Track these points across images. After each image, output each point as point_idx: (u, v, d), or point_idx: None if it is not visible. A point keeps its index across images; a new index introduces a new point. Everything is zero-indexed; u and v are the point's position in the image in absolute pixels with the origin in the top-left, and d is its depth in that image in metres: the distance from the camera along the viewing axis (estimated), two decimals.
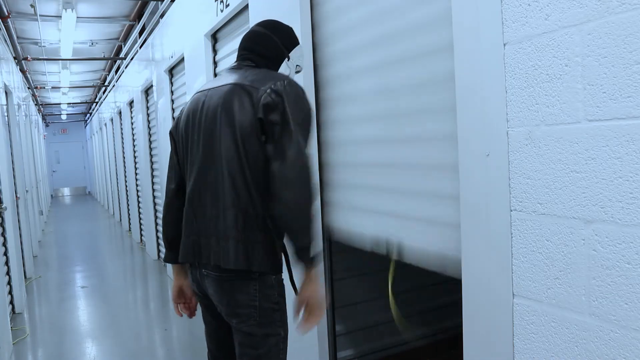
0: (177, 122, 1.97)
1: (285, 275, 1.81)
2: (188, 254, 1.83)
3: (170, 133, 2.00)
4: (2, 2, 6.12)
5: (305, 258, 1.67)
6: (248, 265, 1.70)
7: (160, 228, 7.25)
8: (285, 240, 1.74)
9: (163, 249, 7.04)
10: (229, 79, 1.82)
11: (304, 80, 2.65)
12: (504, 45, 1.49)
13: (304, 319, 1.71)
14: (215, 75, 4.23)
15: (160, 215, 7.16)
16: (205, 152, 1.80)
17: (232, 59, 3.87)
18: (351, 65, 2.40)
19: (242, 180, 1.71)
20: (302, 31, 2.64)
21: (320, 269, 1.73)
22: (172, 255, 1.95)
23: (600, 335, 1.30)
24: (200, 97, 1.88)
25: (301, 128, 1.69)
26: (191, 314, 2.05)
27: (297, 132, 1.67)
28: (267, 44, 1.92)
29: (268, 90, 1.70)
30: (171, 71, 5.82)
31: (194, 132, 1.85)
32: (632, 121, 1.20)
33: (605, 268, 1.28)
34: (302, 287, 1.71)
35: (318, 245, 1.69)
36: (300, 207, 1.65)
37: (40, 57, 9.26)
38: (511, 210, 1.51)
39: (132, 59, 8.34)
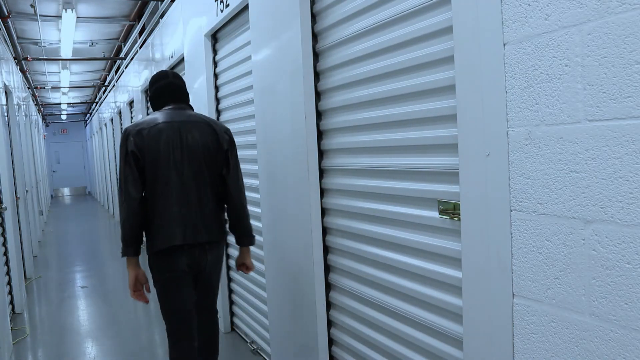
0: (142, 145, 2.51)
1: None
2: (186, 236, 2.56)
3: (134, 153, 2.50)
4: (2, 2, 6.12)
5: (248, 231, 2.83)
6: (223, 237, 2.75)
7: None
8: (235, 221, 2.78)
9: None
10: (196, 118, 2.68)
11: (304, 89, 2.66)
12: (504, 45, 1.49)
13: (246, 270, 2.92)
14: (216, 76, 4.23)
15: None
16: (187, 168, 2.58)
17: (232, 59, 3.88)
18: (352, 74, 2.40)
19: (214, 188, 2.69)
20: (302, 36, 2.64)
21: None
22: (134, 249, 2.57)
23: (600, 335, 1.30)
24: (169, 129, 2.57)
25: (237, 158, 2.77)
26: (147, 300, 2.64)
27: (238, 163, 2.77)
28: (186, 91, 2.82)
29: (225, 131, 2.73)
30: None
31: (171, 155, 2.55)
32: (632, 121, 1.20)
33: (605, 268, 1.28)
34: (243, 252, 2.89)
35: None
36: (246, 208, 2.80)
37: (40, 57, 9.26)
38: (511, 210, 1.51)
39: (132, 59, 8.34)
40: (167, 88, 2.72)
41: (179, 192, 2.55)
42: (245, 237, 2.81)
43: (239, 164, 2.75)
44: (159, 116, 2.62)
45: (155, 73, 2.85)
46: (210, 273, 2.73)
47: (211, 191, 2.65)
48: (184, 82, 2.79)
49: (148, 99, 3.06)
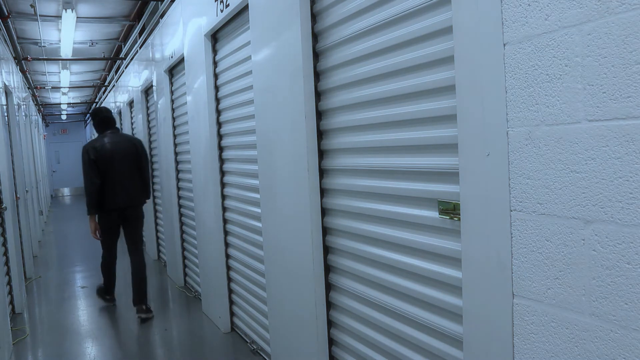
0: (97, 156, 4.71)
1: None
2: (124, 202, 4.80)
3: (93, 160, 4.69)
4: (2, 3, 6.13)
5: (149, 197, 5.12)
6: (142, 203, 4.99)
7: (160, 229, 7.27)
8: (145, 193, 5.06)
9: (163, 249, 7.07)
10: (125, 138, 4.94)
11: (304, 89, 2.66)
12: (504, 45, 1.49)
13: None
14: (216, 76, 4.23)
15: (160, 215, 7.20)
16: (122, 167, 4.77)
17: (232, 59, 3.88)
18: (352, 74, 2.40)
19: (138, 177, 4.93)
20: (302, 36, 2.64)
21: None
22: (95, 211, 4.74)
23: (600, 335, 1.30)
24: (112, 145, 4.78)
25: (148, 159, 5.13)
26: (99, 238, 4.94)
27: (149, 162, 5.26)
28: (114, 119, 5.07)
29: (140, 144, 4.98)
30: (171, 71, 5.82)
31: (114, 160, 4.74)
32: (632, 121, 1.20)
33: (605, 268, 1.28)
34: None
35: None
36: (150, 184, 5.45)
37: (40, 57, 9.26)
38: (511, 210, 1.51)
39: (132, 59, 8.34)
40: (105, 120, 4.98)
41: (118, 180, 4.78)
42: (148, 198, 5.17)
43: (149, 162, 5.11)
44: (105, 139, 4.84)
45: (95, 108, 5.19)
46: (135, 221, 4.97)
47: (135, 178, 4.91)
48: (112, 114, 5.09)
49: (93, 125, 5.09)
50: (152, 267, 7.12)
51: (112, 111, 12.24)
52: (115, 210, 4.77)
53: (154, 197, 7.62)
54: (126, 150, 4.82)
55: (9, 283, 5.09)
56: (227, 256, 4.40)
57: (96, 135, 5.10)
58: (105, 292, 5.33)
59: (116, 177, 4.72)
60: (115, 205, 4.72)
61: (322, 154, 2.72)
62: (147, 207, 7.88)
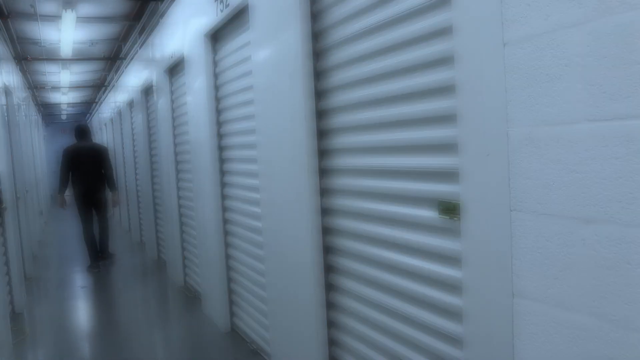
0: (72, 157, 6.99)
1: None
2: (85, 189, 7.04)
3: (68, 160, 6.96)
4: (2, 3, 6.13)
5: (115, 188, 7.38)
6: (104, 191, 7.27)
7: (160, 229, 7.27)
8: (109, 184, 7.29)
9: (163, 249, 7.06)
10: (92, 146, 7.38)
11: (304, 89, 2.66)
12: (504, 45, 1.49)
13: (115, 205, 7.67)
14: (216, 76, 4.23)
15: (160, 215, 7.20)
16: (86, 166, 7.05)
17: (232, 59, 3.88)
18: (351, 74, 2.40)
19: (100, 172, 7.18)
20: (302, 36, 2.64)
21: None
22: (63, 191, 7.12)
23: (600, 335, 1.30)
24: (81, 150, 7.09)
25: (109, 159, 7.40)
26: (64, 208, 7.44)
27: (110, 161, 7.42)
28: (89, 132, 7.57)
29: (104, 149, 7.46)
30: (171, 71, 5.82)
31: (81, 160, 7.03)
32: (632, 121, 1.20)
33: (605, 268, 1.28)
34: (113, 195, 7.39)
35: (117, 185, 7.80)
36: (114, 179, 7.46)
37: (40, 57, 9.25)
38: (511, 210, 1.51)
39: (132, 59, 8.34)
40: (82, 133, 7.15)
41: (82, 174, 6.95)
42: (113, 189, 7.21)
43: (111, 163, 7.26)
44: (78, 145, 7.03)
45: (76, 124, 7.80)
46: (99, 203, 7.11)
47: (95, 173, 7.04)
48: (88, 128, 7.49)
49: (73, 134, 7.15)
50: (152, 267, 7.12)
51: (112, 111, 12.40)
52: (81, 194, 6.98)
53: (154, 197, 7.61)
54: (91, 154, 7.09)
55: (9, 283, 5.09)
56: (227, 256, 4.40)
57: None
58: (91, 263, 7.09)
59: (81, 172, 6.97)
60: (79, 191, 6.98)
61: (322, 154, 2.72)
62: (147, 206, 7.93)
